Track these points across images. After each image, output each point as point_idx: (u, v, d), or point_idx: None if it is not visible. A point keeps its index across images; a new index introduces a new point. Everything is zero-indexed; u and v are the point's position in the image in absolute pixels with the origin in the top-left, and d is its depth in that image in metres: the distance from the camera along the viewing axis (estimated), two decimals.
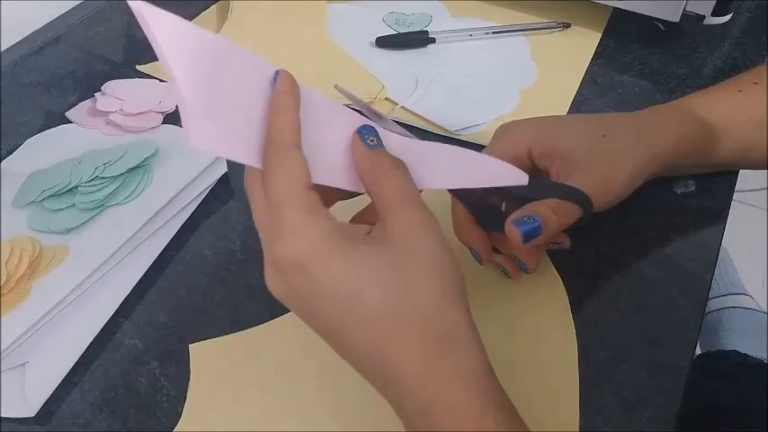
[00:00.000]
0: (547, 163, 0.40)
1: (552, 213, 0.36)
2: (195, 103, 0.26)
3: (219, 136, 0.27)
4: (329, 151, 0.30)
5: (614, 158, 0.40)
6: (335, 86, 0.37)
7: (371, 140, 0.30)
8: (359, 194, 0.32)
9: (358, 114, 0.31)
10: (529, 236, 0.35)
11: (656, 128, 0.43)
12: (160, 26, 0.26)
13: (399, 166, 0.30)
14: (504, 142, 0.41)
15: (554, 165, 0.40)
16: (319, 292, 0.27)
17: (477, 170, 0.33)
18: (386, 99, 0.57)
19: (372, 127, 0.31)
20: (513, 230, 0.35)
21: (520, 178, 0.33)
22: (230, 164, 0.50)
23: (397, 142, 0.31)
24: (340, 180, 0.31)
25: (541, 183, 0.39)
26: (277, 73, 0.29)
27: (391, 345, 0.27)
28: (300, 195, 0.28)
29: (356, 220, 0.35)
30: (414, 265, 0.28)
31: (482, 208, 0.39)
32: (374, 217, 0.31)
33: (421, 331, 0.27)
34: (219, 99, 0.27)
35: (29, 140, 0.53)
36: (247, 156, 0.28)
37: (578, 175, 0.39)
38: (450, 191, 0.39)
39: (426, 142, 0.32)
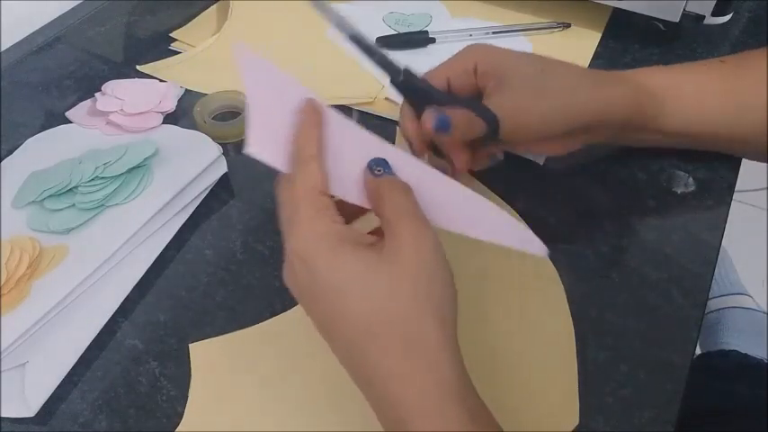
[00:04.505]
0: (485, 82, 0.43)
1: (462, 121, 0.41)
2: (256, 121, 0.34)
3: (265, 147, 0.34)
4: (347, 169, 0.34)
5: (541, 92, 0.42)
6: None
7: (378, 171, 0.34)
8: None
9: (379, 140, 0.35)
10: (439, 126, 0.40)
11: (602, 84, 0.44)
12: (245, 64, 0.34)
13: (397, 186, 0.33)
14: (457, 57, 0.44)
15: (490, 85, 0.43)
16: (314, 283, 0.30)
17: (495, 226, 0.35)
18: (386, 99, 0.57)
19: (383, 159, 0.34)
20: (429, 117, 0.40)
21: (540, 249, 0.34)
22: (230, 164, 0.50)
23: (416, 175, 0.34)
24: (354, 196, 0.35)
25: (463, 98, 0.44)
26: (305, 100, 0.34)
27: (368, 345, 0.29)
28: (312, 197, 0.31)
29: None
30: (398, 272, 0.30)
31: (424, 107, 0.43)
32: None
33: (396, 335, 0.29)
34: (270, 119, 0.34)
35: (29, 140, 0.53)
36: (283, 164, 0.34)
37: (503, 97, 0.41)
38: (405, 90, 0.44)
39: (448, 180, 0.35)
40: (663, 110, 0.45)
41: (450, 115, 0.40)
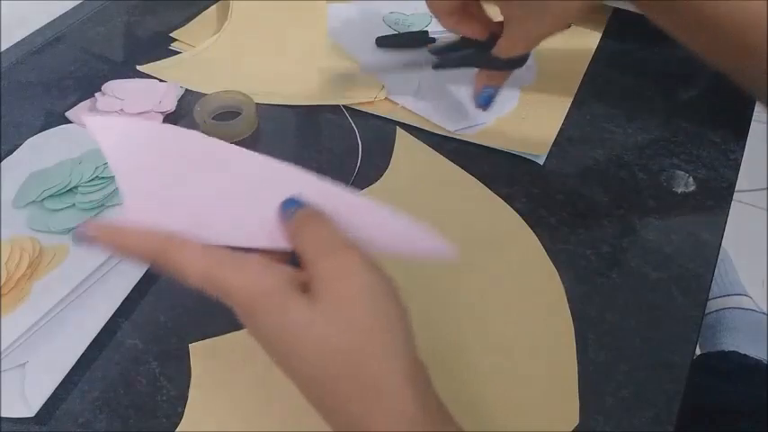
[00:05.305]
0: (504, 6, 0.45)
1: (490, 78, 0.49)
2: (131, 186, 0.30)
3: (156, 212, 0.30)
4: (245, 209, 0.31)
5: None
6: None
7: (290, 211, 0.31)
8: None
9: (266, 160, 0.31)
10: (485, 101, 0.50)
11: None
12: (102, 131, 0.30)
13: (311, 219, 0.30)
14: None
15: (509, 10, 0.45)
16: (262, 335, 0.29)
17: (404, 238, 0.33)
18: (386, 99, 0.57)
19: (291, 199, 0.31)
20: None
21: (447, 252, 0.32)
22: None
23: (334, 198, 0.32)
24: (262, 239, 0.31)
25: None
26: None
27: (325, 396, 0.28)
28: (208, 269, 0.29)
29: None
30: (336, 318, 0.28)
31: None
32: None
33: (348, 381, 0.27)
34: (155, 178, 0.31)
35: (29, 140, 0.53)
36: (180, 225, 0.30)
37: (526, 22, 0.44)
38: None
39: (362, 201, 0.32)
40: None
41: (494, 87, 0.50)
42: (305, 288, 0.29)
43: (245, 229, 0.31)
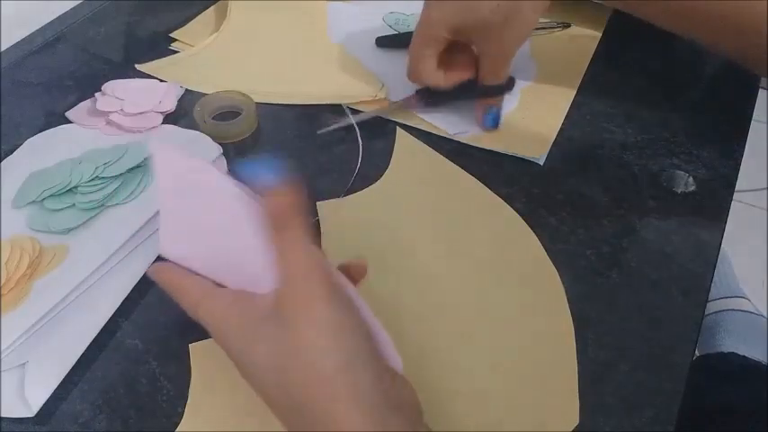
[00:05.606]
0: (470, 36, 0.48)
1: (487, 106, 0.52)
2: (169, 221, 0.35)
3: (185, 251, 0.35)
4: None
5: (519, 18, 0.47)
6: None
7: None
8: None
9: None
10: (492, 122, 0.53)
11: None
12: (163, 163, 0.34)
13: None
14: (431, 21, 0.49)
15: (475, 37, 0.48)
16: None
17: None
18: (386, 99, 0.57)
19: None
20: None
21: (397, 363, 0.33)
22: (230, 164, 0.50)
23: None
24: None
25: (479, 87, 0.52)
26: None
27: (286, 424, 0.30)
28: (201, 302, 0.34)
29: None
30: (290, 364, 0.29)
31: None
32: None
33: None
34: (190, 219, 0.34)
35: (29, 140, 0.53)
36: (205, 269, 0.34)
37: (492, 41, 0.48)
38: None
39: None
40: None
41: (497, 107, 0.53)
42: None
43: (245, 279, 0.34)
